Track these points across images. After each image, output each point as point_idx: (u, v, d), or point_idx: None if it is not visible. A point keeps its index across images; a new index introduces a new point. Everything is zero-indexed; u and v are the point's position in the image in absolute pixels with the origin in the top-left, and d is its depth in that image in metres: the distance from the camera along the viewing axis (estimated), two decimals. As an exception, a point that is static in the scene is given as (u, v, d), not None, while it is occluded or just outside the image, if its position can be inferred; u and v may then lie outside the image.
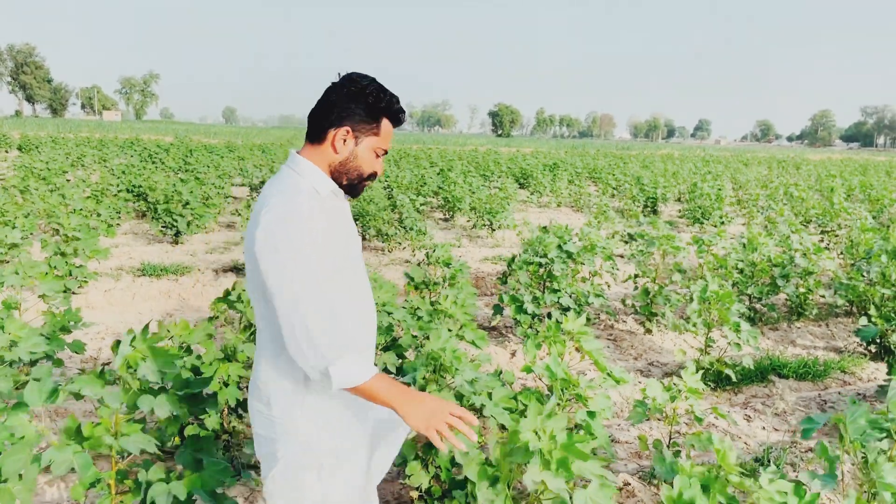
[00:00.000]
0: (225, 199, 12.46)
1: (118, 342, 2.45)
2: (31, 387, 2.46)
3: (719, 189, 15.07)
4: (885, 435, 2.42)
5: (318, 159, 1.83)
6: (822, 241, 10.94)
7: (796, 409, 4.57)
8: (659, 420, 4.28)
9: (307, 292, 1.65)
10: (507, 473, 1.79)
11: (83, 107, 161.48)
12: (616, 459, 3.79)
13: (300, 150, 1.88)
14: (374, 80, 1.84)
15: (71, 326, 4.59)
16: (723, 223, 12.77)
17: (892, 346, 5.36)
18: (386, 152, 1.90)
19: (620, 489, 3.42)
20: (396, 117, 1.86)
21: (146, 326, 2.47)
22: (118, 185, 11.29)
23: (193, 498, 2.48)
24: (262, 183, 14.37)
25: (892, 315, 5.22)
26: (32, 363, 3.66)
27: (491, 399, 2.83)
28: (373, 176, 1.89)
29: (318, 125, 1.82)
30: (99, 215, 8.65)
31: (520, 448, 1.75)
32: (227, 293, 3.71)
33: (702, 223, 13.05)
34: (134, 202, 11.68)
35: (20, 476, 2.33)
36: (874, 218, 12.87)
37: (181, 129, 76.14)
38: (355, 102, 1.80)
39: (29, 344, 3.37)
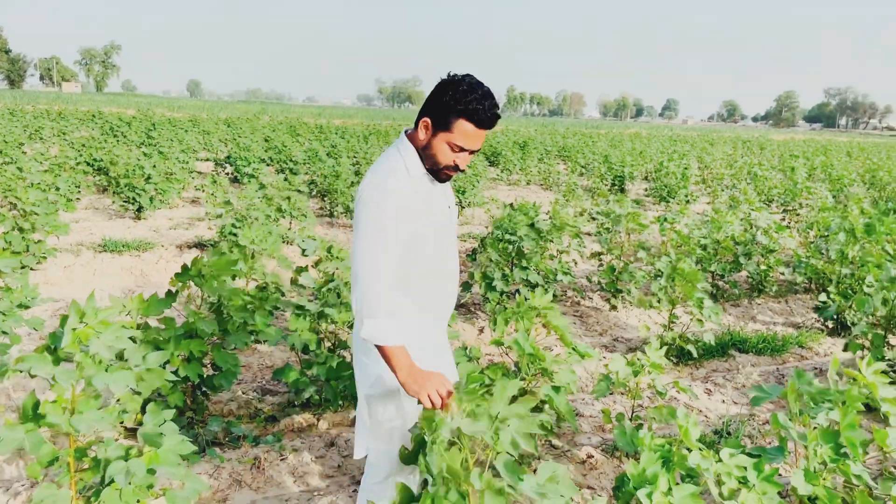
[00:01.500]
0: (189, 174, 12.21)
1: (65, 317, 2.38)
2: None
3: (685, 168, 15.25)
4: (829, 407, 2.48)
5: (415, 142, 2.12)
6: (783, 219, 11.16)
7: (755, 383, 4.68)
8: (623, 394, 4.35)
9: (367, 251, 1.99)
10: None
11: (42, 78, 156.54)
12: (580, 433, 3.85)
13: (409, 131, 2.18)
14: (471, 81, 2.01)
15: (29, 303, 4.48)
16: (688, 202, 12.94)
17: (848, 322, 5.51)
18: (466, 150, 2.04)
19: (584, 462, 3.47)
20: (474, 118, 1.98)
21: (91, 296, 2.40)
22: (77, 159, 10.98)
23: (156, 475, 2.45)
24: (228, 158, 14.13)
25: (850, 292, 5.35)
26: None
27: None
28: (451, 167, 2.08)
29: (419, 112, 2.09)
30: (58, 189, 8.42)
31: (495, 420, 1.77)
32: (187, 268, 3.62)
33: (668, 202, 13.21)
34: (94, 176, 11.39)
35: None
36: (834, 197, 13.15)
37: (144, 101, 74.27)
38: (438, 98, 2.03)
39: (-17, 320, 3.27)
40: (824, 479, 2.46)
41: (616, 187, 15.61)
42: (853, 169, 18.21)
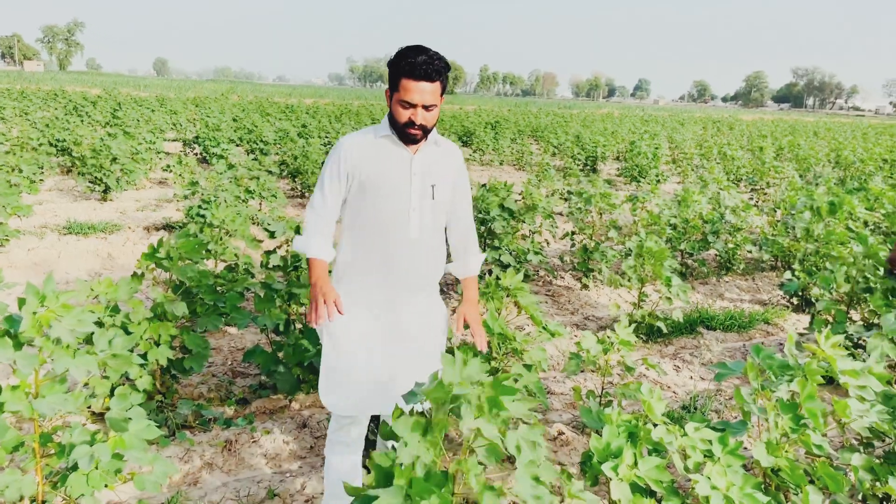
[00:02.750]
0: (157, 155, 11.98)
1: (23, 300, 2.32)
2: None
3: (656, 148, 15.37)
4: (788, 379, 2.54)
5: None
6: (751, 198, 11.32)
7: (722, 359, 4.76)
8: (593, 372, 4.40)
9: (320, 184, 2.43)
10: (440, 423, 1.80)
11: (2, 56, 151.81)
12: (551, 410, 3.89)
13: None
14: (411, 46, 2.28)
15: (-10, 286, 4.38)
16: (658, 181, 13.06)
17: (812, 299, 5.63)
18: (415, 104, 2.25)
19: (555, 438, 3.52)
20: (410, 73, 2.21)
21: (49, 277, 2.35)
22: (40, 139, 10.69)
23: (124, 459, 2.42)
24: (196, 138, 13.87)
25: (814, 269, 5.46)
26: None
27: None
28: (409, 124, 2.28)
29: None
30: (20, 171, 8.20)
31: (448, 395, 1.77)
32: (154, 249, 3.55)
33: (639, 181, 13.31)
34: (58, 157, 11.12)
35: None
36: (801, 176, 13.37)
37: (109, 80, 72.45)
38: (389, 67, 2.31)
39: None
40: (786, 450, 2.52)
41: (588, 167, 15.68)
42: (819, 149, 18.50)
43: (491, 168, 16.17)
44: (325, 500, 2.63)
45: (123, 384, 3.30)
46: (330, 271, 2.52)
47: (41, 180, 9.56)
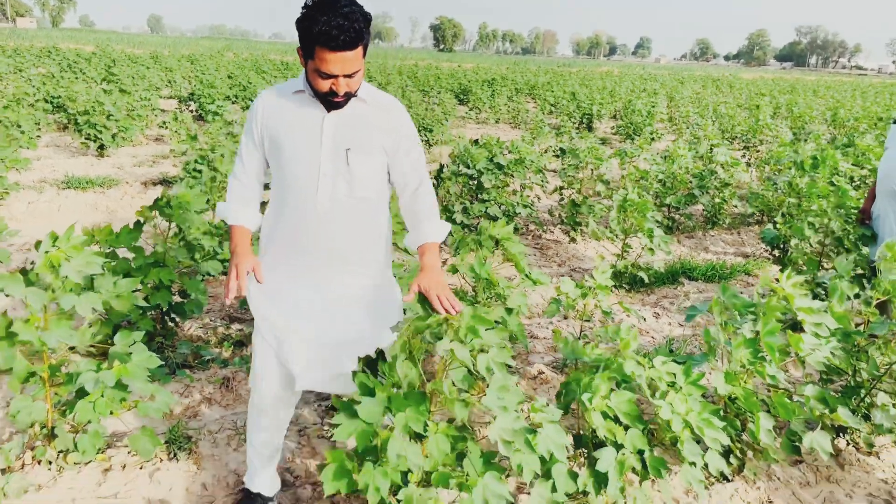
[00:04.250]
0: (152, 112, 12.01)
1: (40, 241, 2.49)
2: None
3: (652, 106, 15.36)
4: (753, 319, 2.71)
5: None
6: (744, 155, 11.42)
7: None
8: (574, 318, 4.58)
9: (240, 144, 2.24)
10: (418, 347, 1.98)
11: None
12: (534, 353, 4.09)
13: None
14: (320, 3, 1.88)
15: (-5, 236, 4.52)
16: (653, 139, 13.09)
17: (790, 249, 5.79)
18: (334, 75, 1.93)
19: (535, 377, 3.71)
20: (328, 44, 1.86)
21: (71, 227, 2.51)
22: (35, 95, 10.72)
23: (128, 389, 2.60)
24: (192, 95, 13.86)
25: (792, 219, 5.61)
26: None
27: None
28: (329, 94, 1.98)
29: None
30: (19, 126, 8.26)
31: (428, 325, 1.94)
32: (158, 199, 3.68)
33: (633, 139, 13.37)
34: (54, 114, 11.15)
35: (-49, 370, 2.40)
36: (794, 134, 13.42)
37: (103, 38, 71.39)
38: (298, 24, 1.94)
39: (-52, 250, 3.34)
40: (745, 381, 2.71)
41: (584, 125, 15.70)
42: (815, 107, 18.48)
43: (487, 126, 16.18)
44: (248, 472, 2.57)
45: (125, 326, 3.48)
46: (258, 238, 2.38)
47: (38, 136, 9.62)
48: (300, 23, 1.93)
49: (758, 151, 11.54)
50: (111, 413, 2.59)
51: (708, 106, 17.67)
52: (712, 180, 7.03)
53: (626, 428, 2.34)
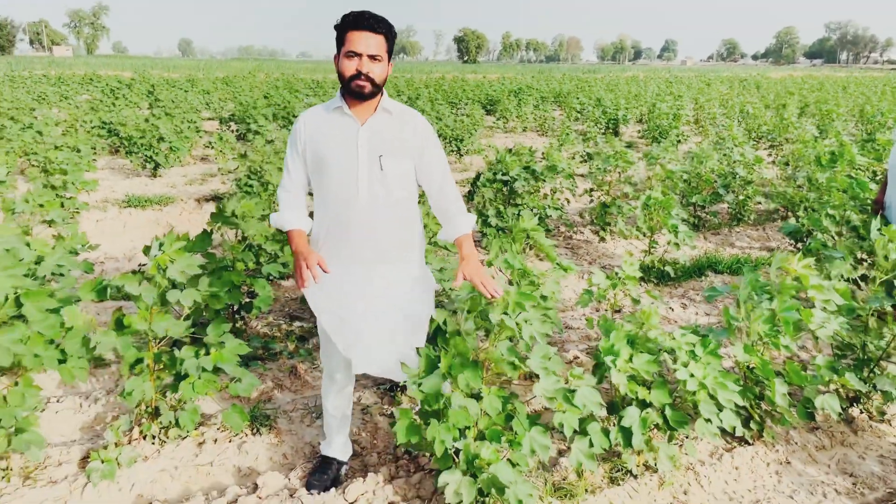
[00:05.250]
0: (197, 133, 12.65)
1: (148, 247, 2.94)
2: (84, 285, 2.96)
3: (678, 109, 15.59)
4: (768, 297, 3.04)
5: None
6: (769, 154, 11.61)
7: (726, 298, 5.25)
8: (606, 310, 4.92)
9: (285, 162, 2.59)
10: (476, 321, 2.36)
11: (31, 43, 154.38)
12: (569, 342, 4.44)
13: None
14: (352, 11, 2.38)
15: (78, 249, 5.03)
16: (679, 142, 13.35)
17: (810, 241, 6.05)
18: (359, 53, 2.33)
19: (570, 362, 4.07)
20: (352, 25, 2.33)
21: (171, 232, 2.96)
22: (90, 122, 11.40)
23: (221, 372, 3.03)
24: (232, 116, 14.49)
25: (813, 213, 5.88)
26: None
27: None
28: (356, 76, 2.35)
29: None
30: (78, 151, 8.88)
31: (481, 301, 2.33)
32: (221, 210, 4.12)
33: (659, 142, 13.62)
34: (107, 138, 11.83)
35: (78, 357, 2.85)
36: (821, 132, 13.54)
37: (137, 63, 73.62)
38: (336, 30, 2.40)
39: (54, 259, 3.81)
40: (761, 352, 3.04)
41: (610, 130, 15.98)
42: (843, 104, 18.49)
43: (514, 135, 16.55)
44: (325, 435, 2.99)
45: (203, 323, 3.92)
46: None
47: (95, 160, 10.26)
48: (336, 26, 2.38)
49: (783, 150, 11.73)
50: (206, 393, 3.02)
51: (734, 107, 17.81)
52: (736, 179, 7.31)
53: (649, 387, 2.69)
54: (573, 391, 2.43)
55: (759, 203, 7.48)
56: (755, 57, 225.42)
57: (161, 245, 2.86)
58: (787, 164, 8.62)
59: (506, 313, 2.30)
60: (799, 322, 3.06)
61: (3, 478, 2.80)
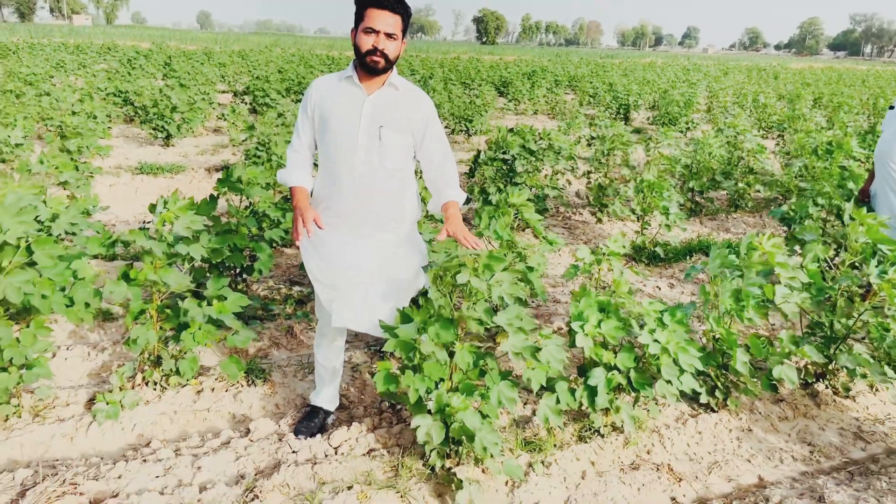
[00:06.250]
0: (210, 105, 12.84)
1: (154, 205, 3.14)
2: (92, 239, 3.17)
3: (690, 97, 15.60)
4: (737, 273, 3.21)
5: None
6: (777, 144, 11.66)
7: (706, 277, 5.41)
8: (593, 287, 5.09)
9: (296, 124, 2.77)
10: (447, 283, 2.54)
11: (51, 11, 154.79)
12: (556, 315, 4.62)
13: None
14: None
15: (91, 210, 5.26)
16: (688, 129, 13.40)
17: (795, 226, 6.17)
18: (377, 30, 2.47)
19: (556, 331, 4.25)
20: (373, 2, 2.46)
21: (176, 192, 3.16)
22: (105, 90, 11.62)
23: (220, 324, 3.24)
24: (247, 89, 14.67)
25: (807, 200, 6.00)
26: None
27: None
28: (372, 51, 2.49)
29: None
30: (95, 117, 9.10)
31: (454, 263, 2.51)
32: (228, 175, 4.32)
33: (669, 129, 13.67)
34: (122, 107, 12.05)
35: (86, 304, 3.06)
36: (829, 122, 13.54)
37: (156, 34, 73.75)
38: (356, 4, 2.54)
39: (68, 216, 4.02)
40: (729, 325, 3.22)
41: (621, 116, 16.03)
42: (858, 96, 18.41)
43: (525, 117, 16.63)
44: (316, 386, 3.20)
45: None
46: None
47: (109, 127, 10.49)
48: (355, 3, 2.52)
49: (792, 140, 11.76)
50: (205, 343, 3.23)
51: (747, 96, 17.78)
52: (737, 166, 7.42)
53: (616, 352, 2.88)
54: (539, 348, 2.61)
55: (759, 191, 7.59)
56: (778, 47, 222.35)
57: (166, 203, 3.06)
58: (788, 153, 8.71)
59: (476, 276, 2.47)
60: (763, 297, 3.23)
61: (14, 414, 3.03)
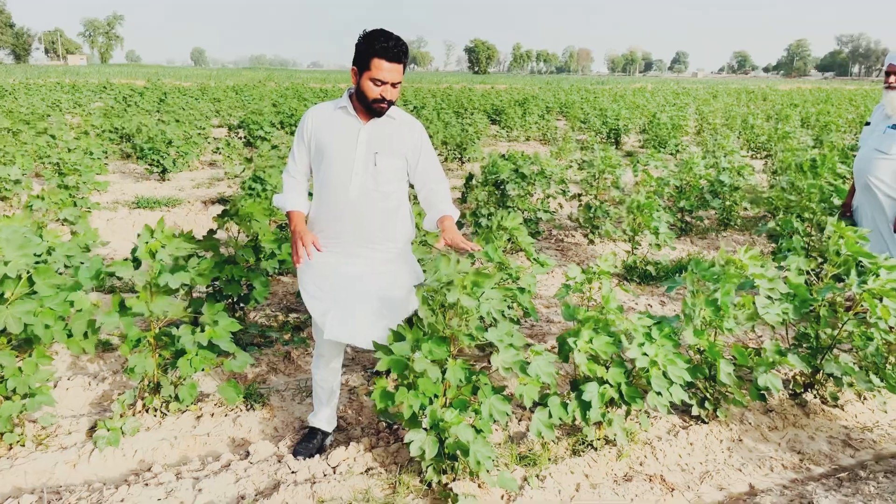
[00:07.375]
0: (205, 140, 13.01)
1: (139, 235, 3.23)
2: (82, 270, 3.26)
3: (679, 120, 15.84)
4: (716, 287, 3.29)
5: (356, 90, 2.71)
6: (765, 163, 11.85)
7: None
8: (585, 305, 5.17)
9: (291, 150, 2.91)
10: (437, 301, 2.62)
11: (47, 51, 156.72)
12: (549, 334, 4.70)
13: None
14: (379, 30, 2.61)
15: (90, 245, 5.34)
16: (678, 151, 13.60)
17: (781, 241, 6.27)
18: (385, 82, 2.59)
19: (549, 349, 4.32)
20: (384, 55, 2.55)
21: (161, 219, 3.25)
22: (102, 127, 11.79)
23: (217, 349, 3.31)
24: (241, 123, 14.87)
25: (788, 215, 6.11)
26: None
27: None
28: (378, 100, 2.63)
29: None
30: (91, 154, 9.24)
31: (443, 279, 2.59)
32: (227, 210, 4.42)
33: (659, 152, 13.87)
34: (118, 144, 12.21)
35: (85, 334, 3.14)
36: (820, 142, 13.75)
37: (150, 72, 74.66)
38: (358, 48, 2.63)
39: (64, 250, 4.10)
40: (711, 337, 3.30)
41: (611, 140, 16.25)
42: (845, 116, 18.70)
43: (517, 143, 16.84)
44: (314, 407, 3.25)
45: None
46: None
47: (106, 163, 10.63)
48: (361, 44, 2.60)
49: (779, 160, 11.95)
50: (203, 369, 3.30)
51: (736, 118, 18.05)
52: (725, 186, 7.55)
53: (607, 367, 2.95)
54: (529, 363, 2.69)
55: (746, 209, 7.72)
56: (766, 69, 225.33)
57: (152, 233, 3.15)
58: (775, 171, 8.86)
59: (466, 293, 2.56)
60: (742, 307, 3.32)
61: (18, 442, 3.09)
